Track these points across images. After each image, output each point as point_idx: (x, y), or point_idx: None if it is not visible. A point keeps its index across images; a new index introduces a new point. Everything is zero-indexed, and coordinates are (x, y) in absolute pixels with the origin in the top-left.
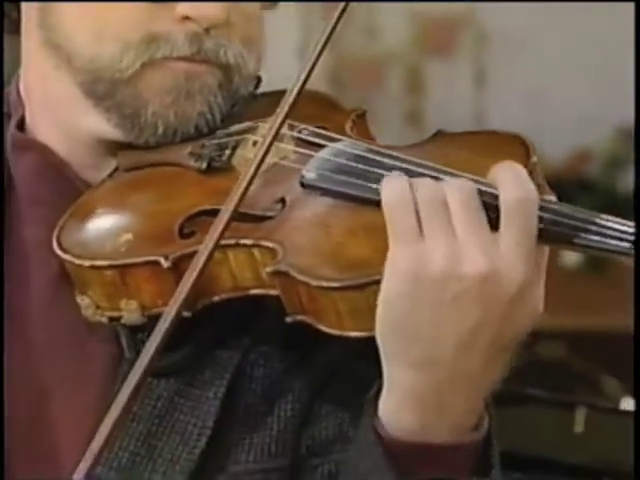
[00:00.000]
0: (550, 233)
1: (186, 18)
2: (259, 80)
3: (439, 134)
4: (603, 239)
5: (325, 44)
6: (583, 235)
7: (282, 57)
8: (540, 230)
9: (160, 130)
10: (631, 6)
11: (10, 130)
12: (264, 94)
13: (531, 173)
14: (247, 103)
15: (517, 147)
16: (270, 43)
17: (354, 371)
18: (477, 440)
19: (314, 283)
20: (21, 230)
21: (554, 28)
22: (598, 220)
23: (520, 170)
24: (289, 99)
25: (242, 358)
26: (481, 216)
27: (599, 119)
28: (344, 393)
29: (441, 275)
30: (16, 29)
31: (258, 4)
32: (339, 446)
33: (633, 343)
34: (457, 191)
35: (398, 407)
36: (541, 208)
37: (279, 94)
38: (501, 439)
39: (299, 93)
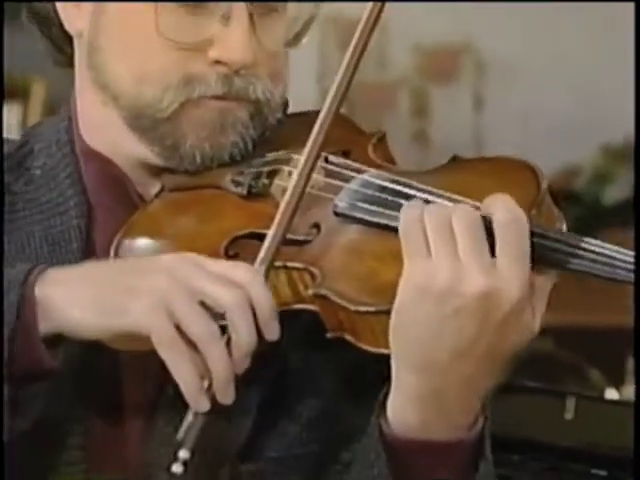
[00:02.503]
0: (544, 258)
1: (217, 62)
2: (286, 105)
3: (455, 160)
4: (595, 265)
5: (353, 71)
6: (576, 261)
7: (301, 82)
8: (533, 255)
9: (198, 159)
10: (617, 28)
11: (75, 135)
12: (290, 116)
13: (542, 201)
14: (276, 129)
15: (527, 174)
16: (290, 69)
17: (374, 373)
18: (472, 438)
19: (352, 308)
20: (91, 232)
21: (545, 56)
22: (586, 245)
23: (508, 197)
24: (320, 134)
25: (282, 365)
26: (482, 240)
27: (586, 138)
28: (366, 392)
29: (445, 290)
30: (70, 63)
31: (282, 43)
32: (360, 437)
33: (634, 340)
34: (462, 216)
35: (402, 406)
36: (532, 234)
37: (305, 116)
38: (502, 425)
39: (327, 127)
